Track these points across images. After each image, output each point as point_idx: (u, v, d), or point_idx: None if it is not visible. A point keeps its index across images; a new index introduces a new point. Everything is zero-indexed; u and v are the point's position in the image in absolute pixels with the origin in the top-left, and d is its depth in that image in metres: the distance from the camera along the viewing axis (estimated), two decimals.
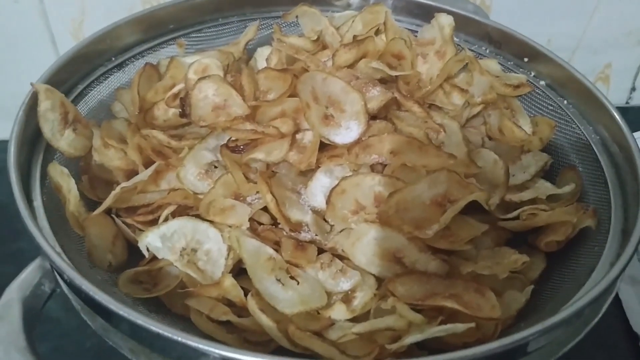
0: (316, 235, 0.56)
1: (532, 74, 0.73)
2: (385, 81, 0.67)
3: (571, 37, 0.96)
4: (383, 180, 0.56)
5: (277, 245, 0.55)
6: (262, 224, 0.57)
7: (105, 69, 0.70)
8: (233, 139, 0.60)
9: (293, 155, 0.60)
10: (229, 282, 0.50)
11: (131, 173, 0.61)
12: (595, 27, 0.95)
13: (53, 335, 0.68)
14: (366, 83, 0.63)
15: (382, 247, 0.53)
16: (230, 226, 0.55)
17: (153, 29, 0.75)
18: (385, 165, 0.59)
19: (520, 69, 0.74)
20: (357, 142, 0.59)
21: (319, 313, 0.51)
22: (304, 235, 0.56)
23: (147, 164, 0.61)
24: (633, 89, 1.03)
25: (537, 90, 0.72)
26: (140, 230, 0.57)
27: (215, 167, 0.60)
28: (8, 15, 0.84)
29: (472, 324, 0.45)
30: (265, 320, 0.48)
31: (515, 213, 0.59)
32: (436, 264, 0.53)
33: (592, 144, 0.64)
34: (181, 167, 0.59)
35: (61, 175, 0.56)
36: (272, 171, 0.60)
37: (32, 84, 0.58)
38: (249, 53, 0.77)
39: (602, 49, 0.97)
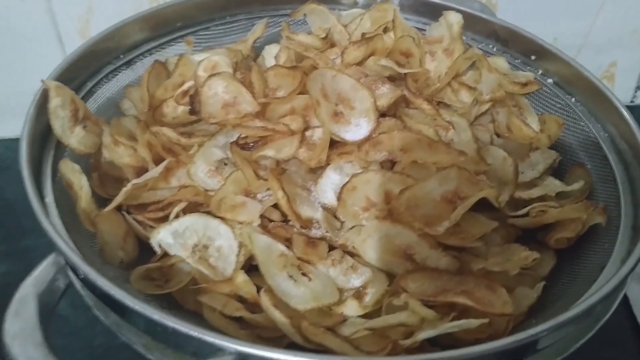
0: (327, 232, 0.56)
1: (540, 71, 0.73)
2: (393, 79, 0.67)
3: (577, 36, 0.96)
4: (394, 177, 0.56)
5: (287, 242, 0.55)
6: (273, 221, 0.57)
7: (114, 66, 0.70)
8: (243, 136, 0.60)
9: (303, 152, 0.60)
10: (242, 278, 0.51)
11: (141, 170, 0.61)
12: (600, 26, 0.95)
13: (61, 333, 0.68)
14: (375, 80, 0.63)
15: (393, 244, 0.54)
16: (241, 223, 0.56)
17: (161, 27, 0.75)
18: (394, 162, 0.59)
19: (528, 67, 0.74)
20: (367, 139, 0.59)
21: (331, 309, 0.51)
22: (315, 232, 0.56)
23: (157, 161, 0.61)
24: (638, 87, 1.03)
25: (544, 88, 0.72)
26: (151, 227, 0.57)
27: (225, 164, 0.61)
28: (15, 14, 0.84)
29: (486, 320, 0.45)
30: (278, 316, 0.48)
31: (524, 210, 0.59)
32: (447, 261, 0.54)
33: (600, 142, 0.64)
34: (191, 164, 0.59)
35: (73, 172, 0.56)
36: (282, 168, 0.60)
37: (42, 81, 0.58)
38: (257, 51, 0.77)
39: (608, 48, 0.98)
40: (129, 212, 0.59)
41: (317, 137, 0.61)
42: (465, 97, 0.67)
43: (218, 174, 0.60)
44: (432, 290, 0.51)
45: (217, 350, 0.40)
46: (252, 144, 0.61)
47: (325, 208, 0.58)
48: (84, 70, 0.67)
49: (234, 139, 0.60)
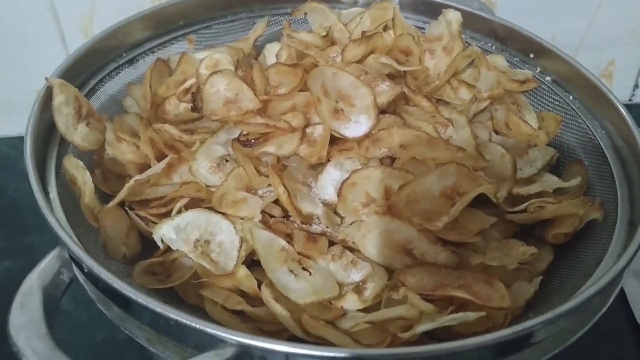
0: (327, 227, 0.57)
1: (538, 69, 0.74)
2: (393, 76, 0.68)
3: (575, 35, 0.97)
4: (393, 173, 0.56)
5: (288, 238, 0.56)
6: (274, 217, 0.58)
7: (117, 64, 0.71)
8: (244, 133, 0.61)
9: (304, 149, 0.60)
10: (243, 272, 0.51)
11: (143, 167, 0.62)
12: (598, 24, 0.96)
13: (64, 328, 0.69)
14: (375, 78, 0.64)
15: (393, 239, 0.54)
16: (242, 218, 0.56)
17: (163, 26, 0.76)
18: (394, 159, 0.60)
19: (526, 65, 0.75)
20: (367, 135, 0.60)
21: (331, 303, 0.52)
22: (315, 228, 0.57)
23: (159, 157, 0.62)
24: (636, 86, 1.04)
25: (542, 86, 0.73)
26: (153, 222, 0.58)
27: (227, 160, 0.61)
28: (18, 12, 0.85)
29: (483, 313, 0.46)
30: (279, 309, 0.48)
31: (522, 206, 0.60)
32: (446, 256, 0.54)
33: (597, 139, 0.65)
34: (193, 160, 0.60)
35: (76, 168, 0.57)
36: (283, 165, 0.61)
37: (46, 78, 0.59)
38: (258, 49, 0.78)
39: (606, 47, 0.98)
40: (131, 208, 0.60)
41: (318, 133, 0.61)
42: (464, 94, 0.68)
43: (220, 171, 0.60)
44: (430, 284, 0.52)
45: (219, 342, 0.40)
46: (253, 141, 0.61)
47: (326, 204, 0.58)
48: (87, 68, 0.68)
49: (236, 135, 0.61)
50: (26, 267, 0.47)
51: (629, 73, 1.02)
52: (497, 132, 0.68)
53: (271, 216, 0.58)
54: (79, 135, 0.60)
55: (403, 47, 0.69)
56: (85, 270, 0.45)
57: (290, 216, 0.57)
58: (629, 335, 0.72)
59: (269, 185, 0.58)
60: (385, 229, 0.54)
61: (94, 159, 0.63)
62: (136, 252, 0.58)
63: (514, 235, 0.60)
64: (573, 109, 0.69)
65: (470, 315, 0.46)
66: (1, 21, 0.85)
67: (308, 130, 0.62)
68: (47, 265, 0.47)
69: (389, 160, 0.60)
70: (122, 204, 0.59)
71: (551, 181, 0.63)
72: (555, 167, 0.67)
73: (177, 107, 0.67)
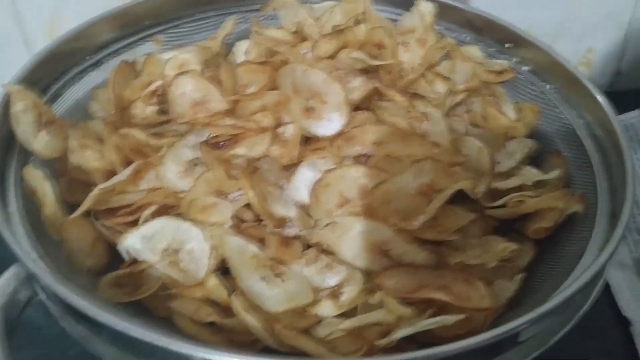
0: (301, 230, 0.55)
1: (515, 60, 0.72)
2: (366, 71, 0.66)
3: (552, 23, 0.95)
4: (368, 172, 0.55)
5: (261, 243, 0.54)
6: (245, 221, 0.56)
7: (81, 67, 0.68)
8: (213, 135, 0.58)
9: (275, 150, 0.59)
10: (213, 282, 0.49)
11: (110, 174, 0.60)
12: (576, 12, 0.94)
13: (35, 344, 0.66)
14: (347, 74, 0.62)
15: (369, 240, 0.52)
16: (212, 224, 0.54)
17: (129, 26, 0.73)
18: (369, 157, 0.58)
19: (503, 55, 0.73)
20: (340, 134, 0.58)
21: (305, 310, 0.50)
22: (289, 231, 0.55)
23: (127, 163, 0.59)
24: (616, 73, 1.02)
25: (520, 76, 0.71)
26: (120, 232, 0.56)
27: (196, 164, 0.59)
28: None
29: (462, 316, 0.44)
30: (250, 319, 0.46)
31: (502, 201, 0.58)
32: (424, 256, 0.52)
33: (576, 129, 0.64)
34: (161, 165, 0.57)
35: (36, 179, 0.54)
36: (254, 167, 0.59)
37: (2, 85, 0.56)
38: (228, 48, 0.76)
39: (584, 34, 0.97)
40: (98, 218, 0.58)
41: (290, 133, 0.59)
42: (440, 87, 0.66)
43: (189, 175, 0.58)
44: (409, 286, 0.50)
45: (184, 358, 0.38)
46: (223, 143, 0.59)
47: (299, 206, 0.56)
48: (49, 72, 0.65)
49: (205, 138, 0.59)
50: None
51: (609, 60, 1.01)
52: (474, 126, 0.66)
53: (243, 221, 0.56)
54: (39, 143, 0.57)
55: (376, 41, 0.67)
56: (44, 287, 0.43)
57: (263, 220, 0.55)
58: (614, 328, 0.70)
59: (240, 188, 0.56)
60: (361, 230, 0.53)
61: (58, 168, 0.61)
62: (104, 264, 0.55)
63: (494, 231, 0.59)
64: (550, 99, 0.68)
65: (449, 319, 0.44)
66: None
67: (279, 130, 0.60)
68: (4, 283, 0.44)
69: (363, 159, 0.58)
70: (87, 213, 0.57)
71: (531, 174, 0.62)
72: (535, 159, 0.65)
73: (144, 110, 0.64)
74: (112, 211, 0.58)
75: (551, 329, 0.48)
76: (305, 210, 0.56)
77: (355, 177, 0.55)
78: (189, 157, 0.59)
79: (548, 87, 0.69)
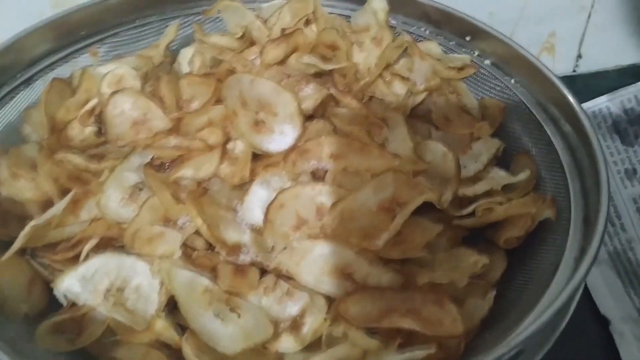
0: (257, 256, 0.51)
1: (476, 53, 0.68)
2: (320, 75, 0.62)
3: (513, 9, 0.92)
4: (324, 189, 0.51)
5: (214, 272, 0.50)
6: (197, 250, 0.52)
7: (11, 86, 0.63)
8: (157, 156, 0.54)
9: (225, 168, 0.54)
10: (160, 324, 0.45)
11: (47, 204, 0.55)
12: None
13: None
14: (299, 81, 0.58)
15: (329, 264, 0.49)
16: (160, 256, 0.50)
17: (63, 37, 0.67)
18: (327, 171, 0.54)
19: (463, 49, 0.69)
20: (294, 147, 0.54)
21: (265, 347, 0.46)
22: (244, 258, 0.51)
23: (64, 192, 0.54)
24: (579, 56, 1.00)
25: (482, 70, 0.67)
26: (61, 270, 0.51)
27: (141, 189, 0.54)
28: None
29: (432, 350, 0.41)
30: None
31: (470, 209, 0.55)
32: (389, 277, 0.49)
33: (543, 125, 0.60)
34: (101, 194, 0.53)
35: None
36: (204, 188, 0.55)
37: None
38: (175, 54, 0.71)
39: (546, 18, 0.94)
40: (35, 255, 0.53)
41: (240, 150, 0.55)
42: (399, 88, 0.62)
43: (133, 202, 0.53)
44: (375, 312, 0.47)
45: None
46: (168, 164, 0.55)
47: (254, 229, 0.52)
48: None
49: (148, 159, 0.54)
50: None
51: (571, 43, 0.98)
52: (437, 127, 0.62)
53: (194, 249, 0.52)
54: None
55: (328, 42, 0.63)
56: None
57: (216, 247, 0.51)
58: (593, 327, 0.68)
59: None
60: (320, 253, 0.49)
61: None
62: (42, 308, 0.50)
63: (463, 240, 0.56)
64: (515, 94, 0.64)
65: (418, 355, 0.41)
66: None
67: (229, 146, 0.56)
68: None
69: (323, 173, 0.54)
70: (23, 251, 0.52)
71: (499, 176, 0.58)
72: (502, 160, 0.61)
73: (82, 131, 0.60)
74: (52, 246, 0.53)
75: (529, 350, 0.45)
76: (260, 232, 0.52)
77: (311, 196, 0.51)
78: (132, 181, 0.54)
79: (513, 81, 0.65)
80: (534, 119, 0.61)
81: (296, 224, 0.50)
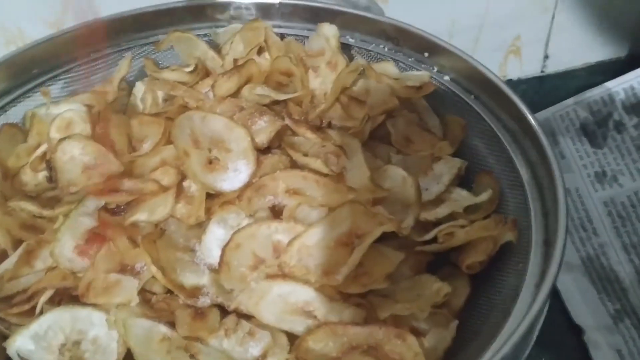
0: (217, 297, 0.50)
1: (435, 69, 0.67)
2: (277, 102, 0.61)
3: (475, 16, 0.91)
4: (280, 227, 0.50)
5: (174, 318, 0.49)
6: (156, 294, 0.51)
7: None
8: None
9: (181, 208, 0.54)
10: None
11: (1, 255, 0.54)
12: (498, 0, 0.90)
13: None
14: (252, 113, 0.57)
15: (289, 303, 0.48)
16: (117, 305, 0.49)
17: (13, 78, 0.66)
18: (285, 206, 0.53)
19: (423, 65, 0.68)
20: (249, 184, 0.53)
21: None
22: (203, 300, 0.50)
23: (18, 241, 0.53)
24: (546, 57, 0.99)
25: (442, 87, 0.66)
26: (17, 324, 0.50)
27: (98, 233, 0.53)
28: None
29: None
30: None
31: (432, 234, 0.54)
32: (350, 312, 0.48)
33: (504, 142, 0.59)
34: (55, 242, 0.51)
35: None
36: (161, 229, 0.54)
37: None
38: (132, 85, 0.69)
39: (509, 22, 0.93)
40: None
41: (196, 188, 0.54)
42: (356, 112, 0.61)
43: (90, 248, 0.52)
44: (337, 349, 0.46)
45: None
46: (123, 207, 0.54)
47: (213, 269, 0.51)
48: None
49: (103, 204, 0.53)
50: None
51: (537, 45, 0.97)
52: (398, 150, 0.61)
53: (153, 293, 0.51)
54: None
55: (283, 70, 0.62)
56: None
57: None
58: (568, 337, 0.67)
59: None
60: (279, 293, 0.48)
61: None
62: None
63: (427, 265, 0.55)
64: (475, 110, 0.63)
65: None
66: None
67: (185, 184, 0.55)
68: None
69: (282, 207, 0.54)
70: None
71: (461, 197, 0.57)
72: (465, 179, 0.61)
73: (35, 176, 0.58)
74: (7, 299, 0.52)
75: None
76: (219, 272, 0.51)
77: (267, 234, 0.50)
78: (88, 226, 0.53)
79: (472, 97, 0.64)
80: (494, 135, 0.61)
81: (253, 263, 0.50)
